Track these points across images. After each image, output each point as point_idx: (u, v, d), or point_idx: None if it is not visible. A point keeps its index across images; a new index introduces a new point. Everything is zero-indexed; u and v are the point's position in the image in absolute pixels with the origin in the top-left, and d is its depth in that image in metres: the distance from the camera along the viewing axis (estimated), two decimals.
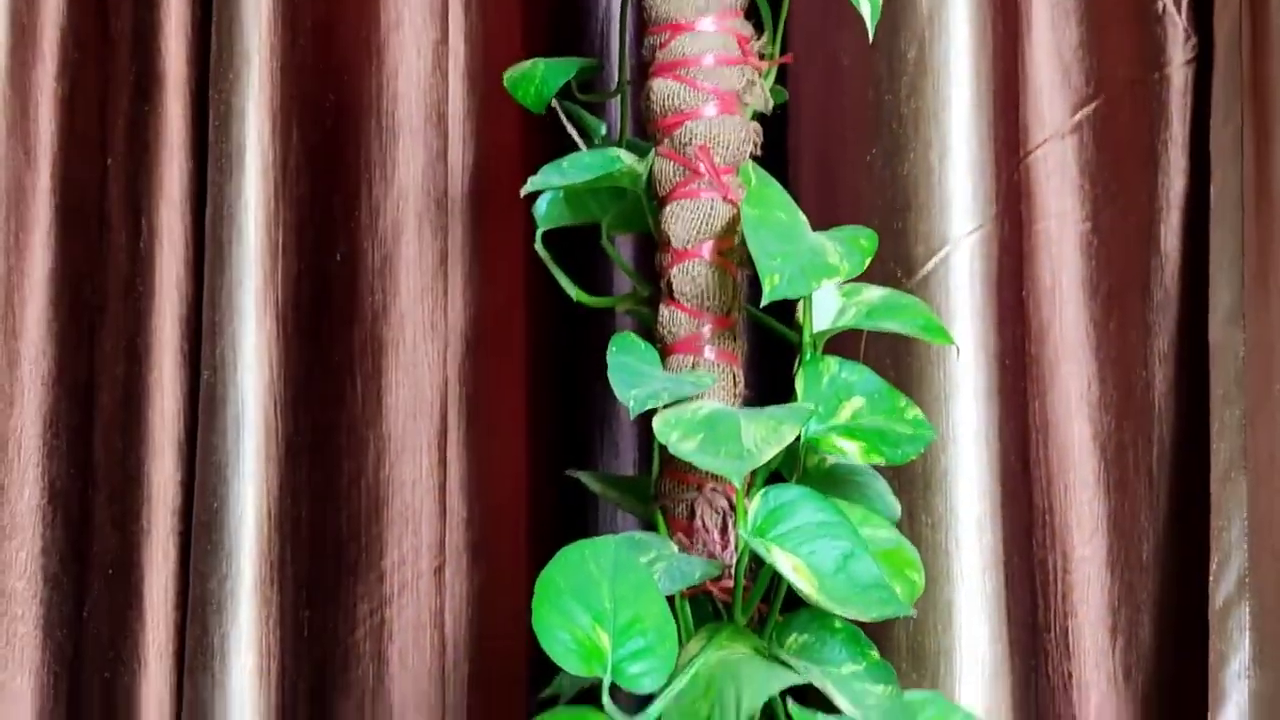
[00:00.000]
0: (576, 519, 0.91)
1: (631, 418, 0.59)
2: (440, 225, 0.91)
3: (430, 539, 0.90)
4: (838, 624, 0.58)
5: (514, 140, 0.91)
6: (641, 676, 0.51)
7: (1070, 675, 0.84)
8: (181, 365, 0.88)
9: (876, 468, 0.67)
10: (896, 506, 0.68)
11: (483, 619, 0.90)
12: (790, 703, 0.51)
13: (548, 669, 0.58)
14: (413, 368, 0.89)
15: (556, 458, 0.89)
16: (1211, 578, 0.79)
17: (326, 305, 0.88)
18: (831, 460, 0.66)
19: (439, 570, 0.90)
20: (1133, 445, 0.85)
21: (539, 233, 0.72)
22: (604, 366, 0.90)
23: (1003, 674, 0.78)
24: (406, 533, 0.89)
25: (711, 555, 0.61)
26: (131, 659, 0.85)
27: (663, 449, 0.66)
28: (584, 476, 0.74)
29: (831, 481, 0.65)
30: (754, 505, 0.56)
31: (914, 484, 0.77)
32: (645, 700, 0.55)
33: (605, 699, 0.49)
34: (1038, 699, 0.83)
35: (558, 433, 0.92)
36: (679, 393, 0.60)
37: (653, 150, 0.67)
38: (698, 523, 0.63)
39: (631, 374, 0.61)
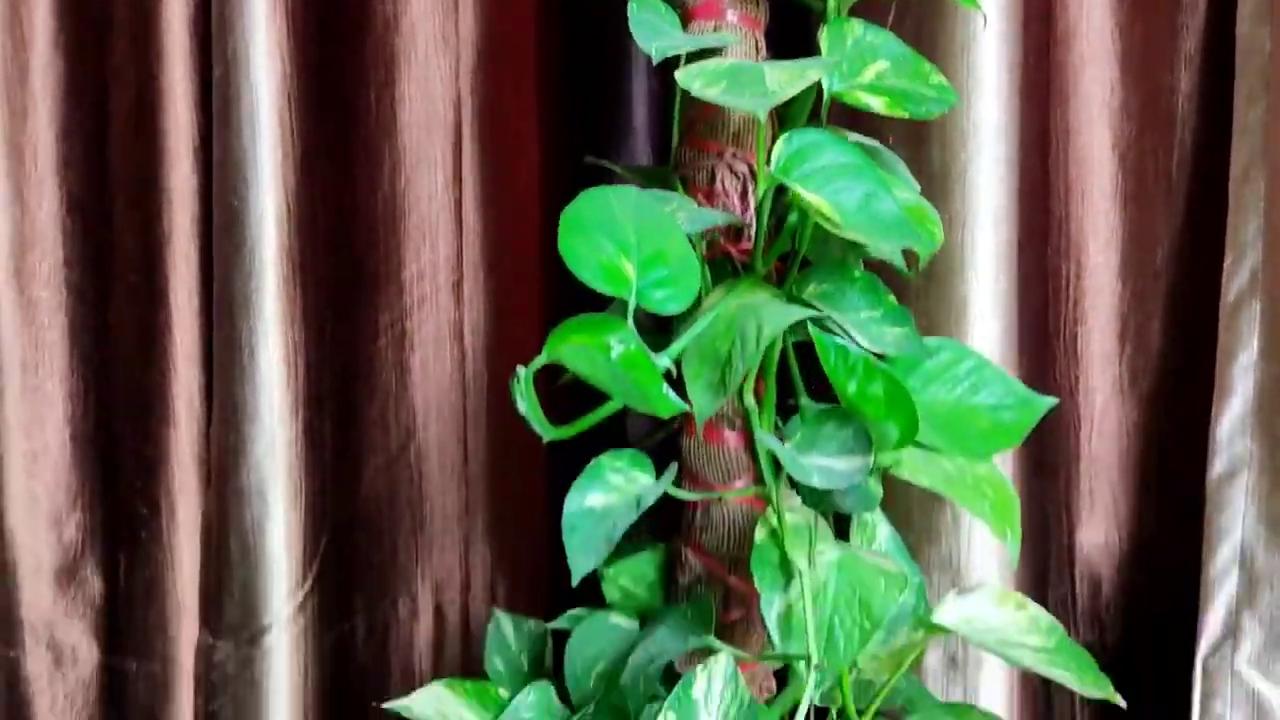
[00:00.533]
0: None
1: (654, 63, 0.58)
2: None
3: (447, 253, 0.90)
4: (856, 274, 0.59)
5: None
6: (666, 301, 0.52)
7: (1077, 380, 0.86)
8: (192, 70, 0.87)
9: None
10: (915, 184, 0.68)
11: (500, 331, 0.92)
12: (810, 327, 0.52)
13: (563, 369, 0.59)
14: (425, 81, 0.88)
15: (570, 171, 0.89)
16: (1225, 274, 0.79)
17: (337, 9, 0.87)
18: (854, 137, 0.66)
19: (457, 285, 0.91)
20: (1153, 154, 0.85)
21: None
22: (617, 76, 0.90)
23: (1010, 371, 0.80)
24: (424, 247, 0.90)
25: None
26: (160, 359, 0.87)
27: (683, 119, 0.66)
28: (605, 163, 0.74)
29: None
30: (778, 147, 0.56)
31: (931, 177, 0.77)
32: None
33: (629, 319, 0.50)
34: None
35: (572, 145, 0.91)
36: (701, 44, 0.60)
37: None
38: (718, 186, 0.63)
39: (653, 29, 0.60)
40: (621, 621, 0.67)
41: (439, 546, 0.93)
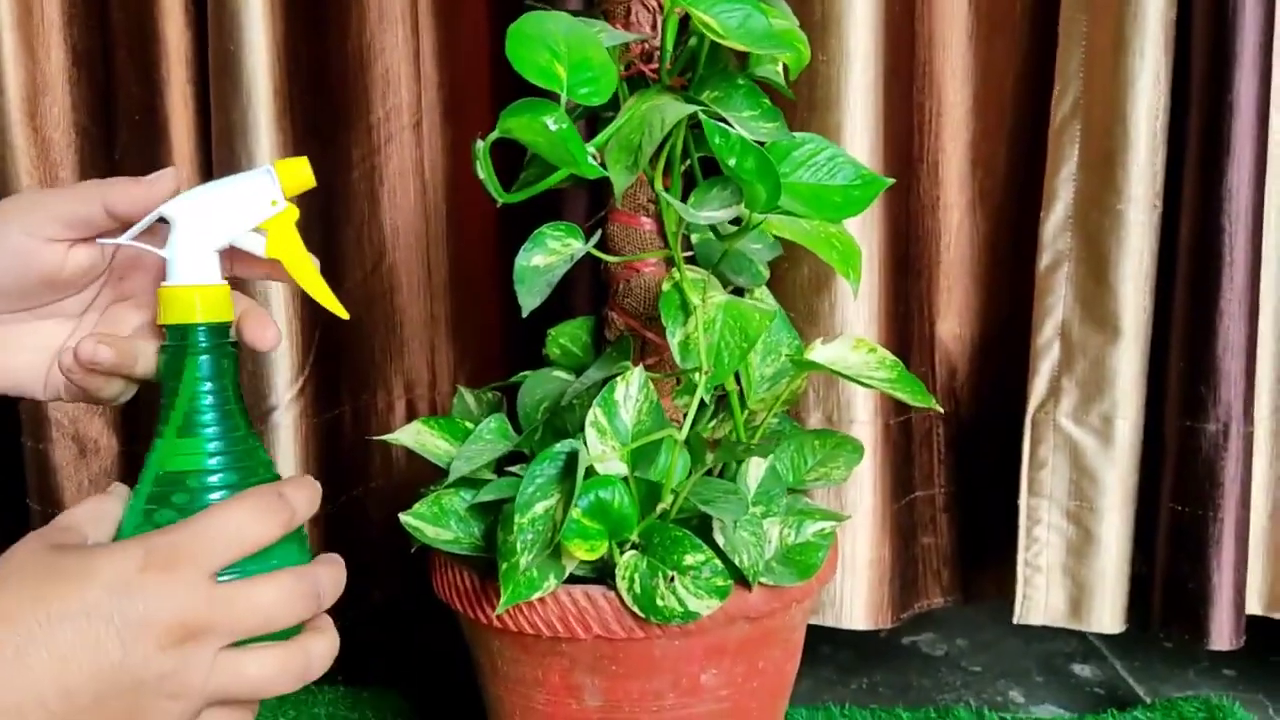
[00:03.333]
0: None
1: None
2: None
3: (409, 99, 1.06)
4: (740, 81, 0.75)
5: None
6: (590, 95, 0.68)
7: (937, 198, 1.03)
8: None
9: None
10: (795, 20, 0.84)
11: (454, 167, 1.07)
12: (702, 115, 0.68)
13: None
14: None
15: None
16: (1054, 101, 0.96)
17: None
18: None
19: (417, 125, 1.06)
20: (1001, 2, 1.01)
21: None
22: None
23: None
24: (389, 92, 1.05)
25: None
26: None
27: None
28: (540, 7, 0.89)
29: None
30: None
31: (813, 26, 0.93)
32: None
33: (561, 108, 0.66)
34: (908, 217, 1.03)
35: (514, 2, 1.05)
36: None
37: None
38: (633, 18, 0.79)
39: None
40: (561, 374, 0.84)
41: (409, 350, 1.10)
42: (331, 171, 1.04)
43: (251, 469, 0.55)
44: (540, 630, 0.72)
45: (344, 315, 0.61)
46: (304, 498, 0.53)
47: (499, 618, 0.72)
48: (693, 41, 0.77)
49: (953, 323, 1.06)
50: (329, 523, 1.05)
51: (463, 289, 1.09)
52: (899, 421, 1.03)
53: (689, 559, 0.70)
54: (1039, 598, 1.00)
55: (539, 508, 0.69)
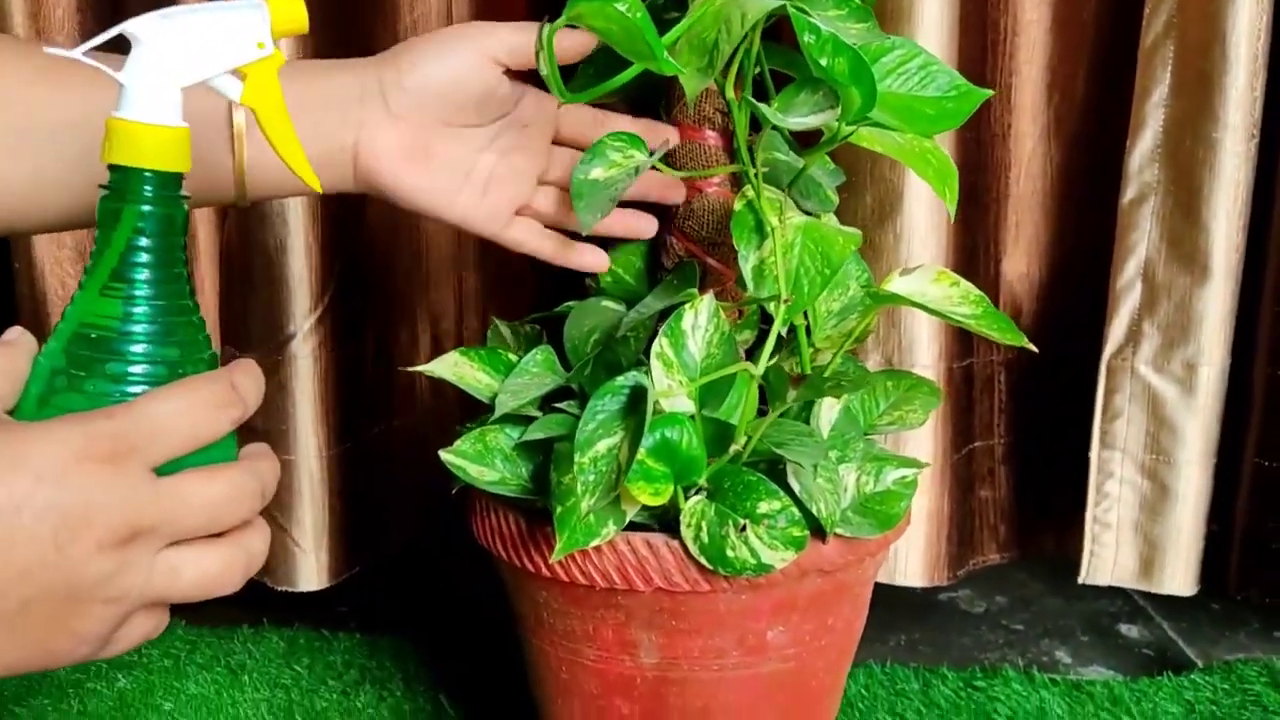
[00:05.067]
0: None
1: None
2: None
3: (437, 5, 0.97)
4: None
5: None
6: None
7: (1009, 126, 0.96)
8: None
9: None
10: None
11: None
12: (790, 8, 0.61)
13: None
14: None
15: None
16: (1144, 21, 0.89)
17: None
18: None
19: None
20: None
21: None
22: None
23: None
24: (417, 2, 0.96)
25: None
26: None
27: None
28: None
29: None
30: None
31: None
32: None
33: None
34: (978, 145, 0.96)
35: None
36: None
37: None
38: None
39: None
40: (611, 304, 0.77)
41: (435, 283, 1.02)
42: None
43: (195, 346, 0.47)
44: (595, 581, 0.65)
45: (317, 188, 0.55)
46: (254, 388, 0.47)
47: (549, 565, 0.66)
48: None
49: (1020, 261, 0.98)
50: (347, 460, 0.99)
51: None
52: (962, 366, 0.96)
53: (764, 506, 0.63)
54: (1107, 556, 0.94)
55: (601, 446, 0.62)
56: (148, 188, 0.46)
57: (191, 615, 1.10)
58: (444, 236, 1.01)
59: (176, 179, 0.47)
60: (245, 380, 0.46)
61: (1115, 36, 0.93)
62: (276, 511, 0.96)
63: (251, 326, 0.94)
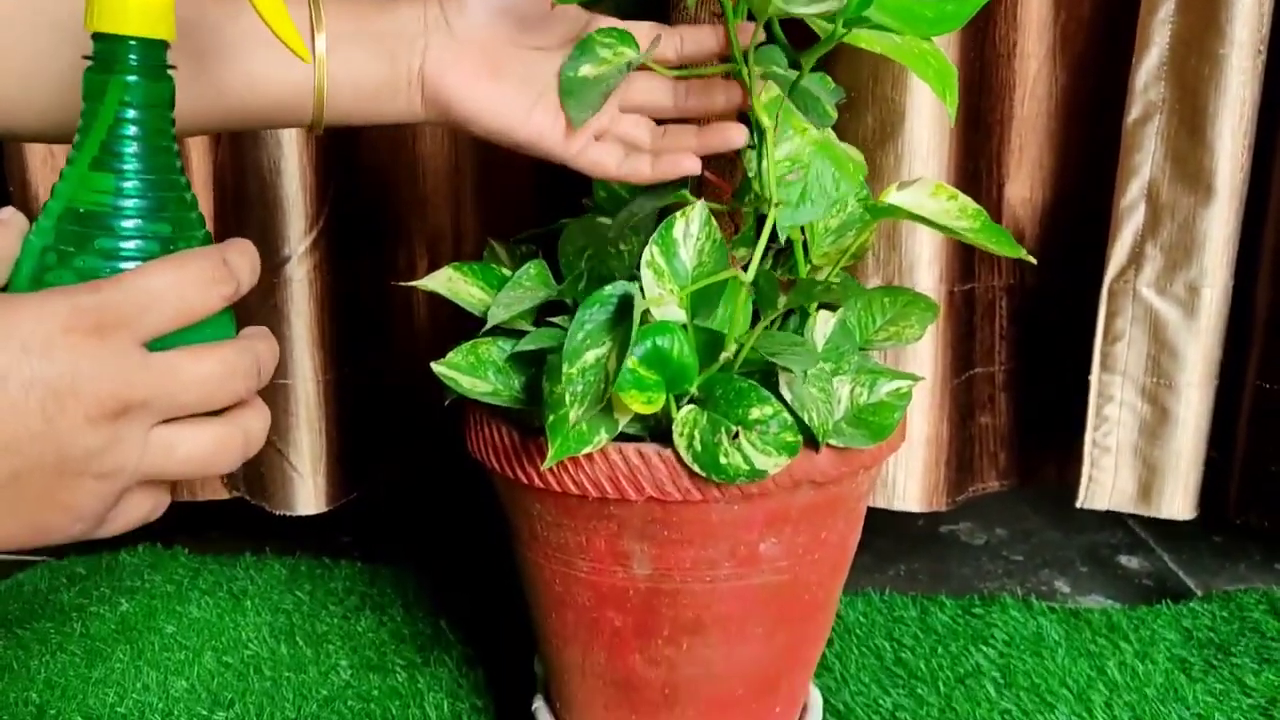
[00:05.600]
0: None
1: None
2: None
3: None
4: None
5: None
6: None
7: (1015, 45, 0.94)
8: None
9: None
10: None
11: None
12: None
13: None
14: None
15: None
16: None
17: None
18: None
19: None
20: None
21: None
22: None
23: (951, 38, 0.88)
24: None
25: None
26: None
27: None
28: None
29: None
30: None
31: None
32: None
33: None
34: (982, 65, 0.94)
35: None
36: None
37: None
38: None
39: None
40: (606, 220, 0.76)
41: (432, 205, 1.02)
42: None
43: (188, 223, 0.46)
44: (587, 491, 0.65)
45: (306, 58, 0.56)
46: (248, 266, 0.46)
47: (541, 476, 0.66)
48: None
49: (1023, 185, 0.97)
50: (343, 385, 0.99)
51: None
52: (963, 290, 0.96)
53: (755, 412, 0.63)
54: (1106, 480, 0.94)
55: (589, 356, 0.62)
56: (133, 57, 0.45)
57: (195, 543, 1.11)
58: (441, 158, 1.00)
59: (162, 47, 0.46)
60: (238, 258, 0.45)
61: None
62: (274, 436, 0.96)
63: None
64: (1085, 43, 0.94)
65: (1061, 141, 0.96)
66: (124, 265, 0.44)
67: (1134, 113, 0.89)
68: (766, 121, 0.64)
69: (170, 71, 0.46)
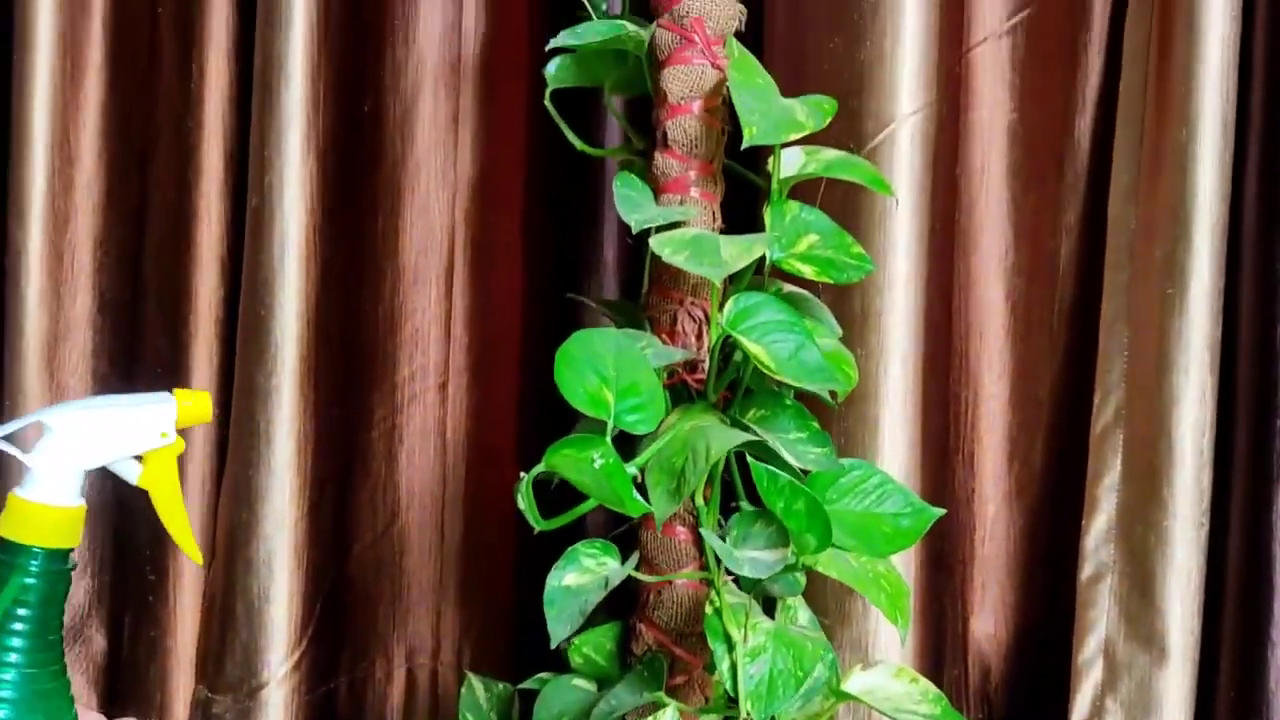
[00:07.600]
0: None
1: (632, 236, 0.73)
2: (453, 86, 1.03)
3: (436, 360, 1.04)
4: (787, 402, 0.73)
5: (521, 13, 1.03)
6: (637, 424, 0.66)
7: (972, 491, 1.00)
8: (224, 194, 1.00)
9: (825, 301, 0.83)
10: (838, 328, 0.83)
11: (478, 429, 1.05)
12: (749, 457, 0.66)
13: (534, 461, 0.71)
14: (425, 210, 1.03)
15: (548, 294, 1.03)
16: (1094, 411, 0.94)
17: (356, 149, 1.01)
18: (789, 289, 0.81)
19: (443, 387, 1.04)
20: (1038, 304, 0.99)
21: (548, 91, 0.85)
22: (592, 217, 1.05)
23: (915, 485, 0.94)
24: (416, 353, 1.03)
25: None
26: None
27: (652, 272, 0.81)
28: (583, 299, 0.88)
29: (789, 303, 0.79)
30: (729, 306, 0.70)
31: (853, 321, 0.91)
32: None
33: (608, 438, 0.64)
34: (943, 501, 1.00)
35: (550, 273, 1.05)
36: (670, 217, 0.74)
37: (654, 23, 0.80)
38: (679, 328, 0.78)
39: (633, 204, 0.75)
40: (583, 684, 0.79)
41: (414, 616, 1.05)
42: (352, 433, 1.01)
43: (59, 715, 0.51)
44: None
45: (199, 561, 0.61)
46: None
47: None
48: (737, 355, 0.75)
49: (988, 621, 1.01)
50: None
51: (475, 556, 1.05)
52: None
53: None
54: None
55: None
56: (34, 562, 0.50)
57: None
58: (426, 573, 1.04)
59: (65, 554, 0.52)
60: None
61: (1070, 415, 0.98)
62: None
63: (229, 669, 0.96)
64: (1039, 492, 1.00)
65: (1024, 581, 1.01)
66: None
67: (1087, 570, 0.94)
68: (737, 637, 0.68)
69: (70, 568, 0.52)
